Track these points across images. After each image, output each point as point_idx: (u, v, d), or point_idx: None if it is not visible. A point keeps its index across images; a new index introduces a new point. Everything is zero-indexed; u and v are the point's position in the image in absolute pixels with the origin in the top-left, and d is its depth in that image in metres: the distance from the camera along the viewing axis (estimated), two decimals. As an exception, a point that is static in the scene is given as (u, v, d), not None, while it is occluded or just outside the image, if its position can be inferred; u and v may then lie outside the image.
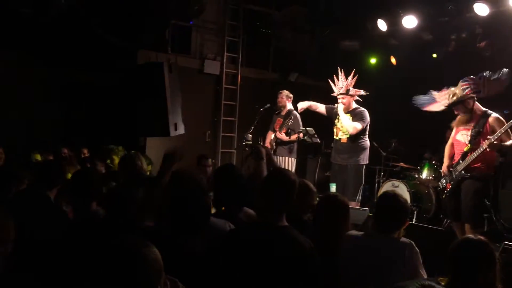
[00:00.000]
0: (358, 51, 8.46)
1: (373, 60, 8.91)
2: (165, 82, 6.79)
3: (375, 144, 7.34)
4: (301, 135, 6.72)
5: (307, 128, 6.71)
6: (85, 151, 6.29)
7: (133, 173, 3.77)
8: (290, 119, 6.72)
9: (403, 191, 7.02)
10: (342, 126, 6.11)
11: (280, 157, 6.80)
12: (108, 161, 5.51)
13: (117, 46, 7.15)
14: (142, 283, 1.42)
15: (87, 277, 2.01)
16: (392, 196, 2.79)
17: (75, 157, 6.02)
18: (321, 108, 6.47)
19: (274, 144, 6.88)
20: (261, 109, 7.03)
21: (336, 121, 6.21)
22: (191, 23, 8.25)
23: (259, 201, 2.50)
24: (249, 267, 2.32)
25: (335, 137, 6.24)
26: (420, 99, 5.64)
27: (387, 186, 7.34)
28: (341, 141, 6.15)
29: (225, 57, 8.72)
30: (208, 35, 8.62)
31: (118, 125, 7.17)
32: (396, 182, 7.34)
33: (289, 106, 6.99)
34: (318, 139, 6.82)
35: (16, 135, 6.90)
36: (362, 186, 6.17)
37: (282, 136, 6.80)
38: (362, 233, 2.88)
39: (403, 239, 2.72)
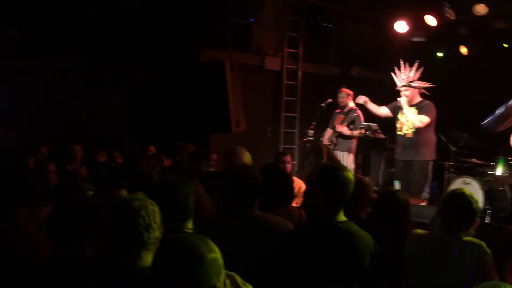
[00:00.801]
0: (425, 42, 8.11)
1: (440, 52, 8.51)
2: (226, 80, 6.92)
3: (444, 139, 7.01)
4: (363, 130, 6.57)
5: (370, 124, 6.54)
6: (152, 148, 6.52)
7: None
8: (353, 115, 6.61)
9: (475, 188, 6.64)
10: (407, 120, 5.89)
11: (339, 152, 6.70)
12: (179, 157, 5.67)
13: (180, 45, 7.36)
14: (202, 282, 1.43)
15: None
16: (460, 194, 2.66)
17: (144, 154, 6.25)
18: (382, 110, 6.27)
19: (334, 138, 6.79)
20: (322, 104, 6.95)
21: (399, 116, 6.00)
22: (251, 20, 8.30)
23: (315, 197, 2.47)
24: (312, 264, 2.31)
25: (398, 132, 6.04)
26: (489, 121, 5.34)
27: (457, 183, 6.98)
28: (406, 136, 5.94)
29: (285, 53, 8.69)
30: (268, 32, 8.63)
31: (182, 123, 7.38)
32: (468, 179, 6.94)
33: (351, 103, 6.89)
34: (382, 135, 6.63)
35: (86, 134, 7.30)
36: (428, 182, 5.91)
37: (344, 129, 6.67)
38: (429, 232, 2.76)
39: (473, 239, 2.58)
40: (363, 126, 6.56)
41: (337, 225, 2.39)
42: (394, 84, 6.01)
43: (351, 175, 2.48)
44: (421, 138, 5.83)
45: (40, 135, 6.70)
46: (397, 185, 5.82)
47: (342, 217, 2.43)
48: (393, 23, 7.62)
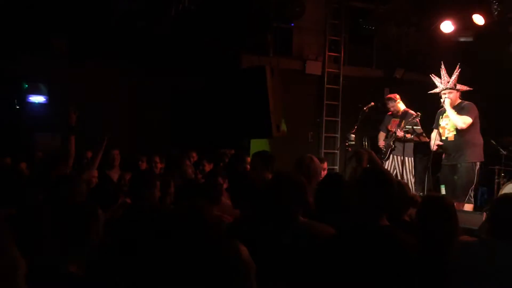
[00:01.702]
0: (472, 42, 7.83)
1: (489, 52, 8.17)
2: (267, 85, 6.94)
3: (493, 142, 6.74)
4: (408, 134, 6.43)
5: (415, 127, 6.38)
6: (194, 154, 6.62)
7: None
8: (412, 118, 6.49)
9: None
10: (447, 124, 5.78)
11: (397, 156, 6.62)
12: (222, 163, 5.72)
13: (221, 52, 7.46)
14: (236, 281, 1.44)
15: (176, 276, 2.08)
16: (508, 199, 2.54)
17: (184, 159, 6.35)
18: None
19: (392, 142, 6.71)
20: (365, 108, 6.85)
21: (440, 121, 5.87)
22: (292, 25, 8.31)
23: (357, 203, 2.45)
24: (353, 267, 2.29)
25: (442, 137, 5.89)
26: None
27: (508, 188, 6.69)
28: (448, 140, 5.80)
29: (326, 57, 8.64)
30: (309, 36, 8.61)
31: (223, 128, 7.46)
32: (519, 183, 6.66)
33: (402, 106, 6.79)
34: (426, 138, 6.46)
35: (130, 138, 7.51)
36: (473, 185, 5.71)
37: (401, 134, 6.58)
38: (477, 239, 2.66)
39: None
40: (407, 129, 6.41)
41: (380, 230, 2.35)
42: (433, 87, 5.89)
43: (393, 178, 2.45)
44: (464, 140, 5.66)
45: (84, 140, 6.95)
46: (443, 190, 5.67)
47: (385, 221, 2.39)
48: (438, 24, 7.41)
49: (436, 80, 5.84)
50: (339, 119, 8.74)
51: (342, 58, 8.77)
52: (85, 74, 7.88)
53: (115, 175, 5.33)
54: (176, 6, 6.91)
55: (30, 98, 8.04)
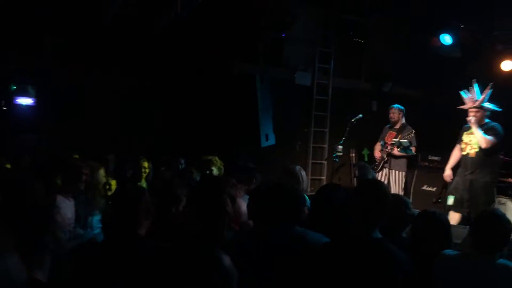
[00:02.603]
0: (461, 58, 7.96)
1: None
2: (257, 93, 6.97)
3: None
4: (395, 147, 6.50)
5: (401, 140, 6.46)
6: (182, 161, 6.60)
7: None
8: (408, 133, 6.60)
9: (509, 208, 6.43)
10: (470, 141, 5.86)
11: (392, 171, 6.70)
12: (207, 172, 5.70)
13: (212, 59, 7.48)
14: None
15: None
16: (490, 214, 2.58)
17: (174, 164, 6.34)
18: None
19: (385, 156, 6.78)
20: (352, 120, 6.91)
21: (464, 137, 5.96)
22: (283, 35, 8.36)
23: (351, 214, 2.45)
24: (343, 280, 2.29)
25: (462, 153, 5.98)
26: None
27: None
28: (469, 156, 5.89)
29: (316, 68, 8.70)
30: (300, 46, 8.66)
31: (212, 135, 7.46)
32: (503, 199, 6.74)
33: (403, 120, 6.88)
34: (413, 152, 6.53)
35: (121, 143, 7.47)
36: (494, 203, 5.83)
37: (396, 153, 6.68)
38: (458, 252, 2.69)
39: (506, 261, 2.49)
40: (394, 142, 6.48)
41: (372, 242, 2.36)
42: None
43: (388, 192, 2.46)
44: (485, 159, 5.77)
45: (73, 145, 6.90)
46: (450, 200, 5.77)
47: (377, 234, 2.39)
48: (429, 38, 7.52)
49: (466, 96, 5.90)
50: (327, 130, 8.79)
51: (331, 70, 8.83)
52: (74, 77, 7.83)
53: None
54: (168, 12, 6.92)
55: (17, 100, 7.96)
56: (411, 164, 8.04)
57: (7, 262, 0.85)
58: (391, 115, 6.91)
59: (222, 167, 5.62)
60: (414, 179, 7.93)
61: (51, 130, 7.71)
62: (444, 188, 6.87)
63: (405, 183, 7.43)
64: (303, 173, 4.01)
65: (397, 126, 6.87)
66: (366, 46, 9.02)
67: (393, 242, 2.43)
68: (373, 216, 2.38)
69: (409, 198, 7.64)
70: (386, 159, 6.79)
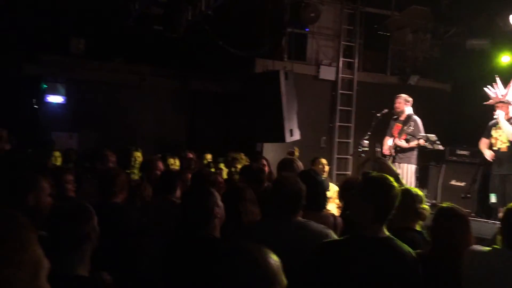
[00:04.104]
0: (487, 50, 7.78)
1: (505, 59, 8.09)
2: (281, 89, 6.97)
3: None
4: (421, 141, 6.38)
5: (428, 134, 6.35)
6: (208, 156, 6.68)
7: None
8: (410, 125, 6.42)
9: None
10: (500, 135, 5.79)
11: (399, 164, 6.53)
12: (233, 169, 5.76)
13: (236, 56, 7.52)
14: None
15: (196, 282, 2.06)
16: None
17: (199, 162, 6.43)
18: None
19: (393, 151, 6.62)
20: (378, 115, 6.81)
21: (492, 132, 5.87)
22: (306, 30, 8.33)
23: (358, 209, 2.42)
24: (348, 279, 2.27)
25: (493, 148, 5.91)
26: None
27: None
28: (501, 151, 5.84)
29: (341, 62, 8.64)
30: (324, 41, 8.63)
31: (237, 131, 7.51)
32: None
33: (408, 110, 6.66)
34: (440, 146, 6.41)
35: (148, 139, 7.60)
36: None
37: (402, 143, 6.51)
38: (489, 249, 2.65)
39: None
40: (421, 136, 6.37)
41: (379, 240, 2.32)
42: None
43: (397, 187, 2.41)
44: None
45: (100, 141, 7.06)
46: (493, 198, 5.74)
47: (385, 231, 2.36)
48: (454, 30, 7.37)
49: (490, 91, 5.84)
50: (352, 125, 8.73)
51: (356, 64, 8.76)
52: (103, 76, 8.01)
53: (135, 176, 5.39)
54: (192, 10, 6.99)
55: (48, 98, 8.19)
56: (439, 159, 7.93)
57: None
58: (396, 104, 6.67)
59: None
60: (442, 173, 7.80)
61: (80, 127, 7.91)
62: (474, 182, 6.74)
63: (428, 177, 7.29)
64: (299, 163, 4.05)
65: (402, 118, 6.65)
66: (391, 39, 8.91)
67: (405, 237, 2.38)
68: (379, 214, 2.32)
69: (436, 193, 7.56)
70: (394, 154, 6.62)
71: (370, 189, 2.37)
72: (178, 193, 3.59)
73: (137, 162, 5.80)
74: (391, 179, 2.43)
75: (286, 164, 4.05)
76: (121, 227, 2.93)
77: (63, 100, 8.19)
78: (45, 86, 8.18)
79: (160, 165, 4.59)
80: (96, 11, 7.70)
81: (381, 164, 3.72)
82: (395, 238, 2.35)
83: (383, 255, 2.28)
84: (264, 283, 1.41)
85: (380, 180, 2.40)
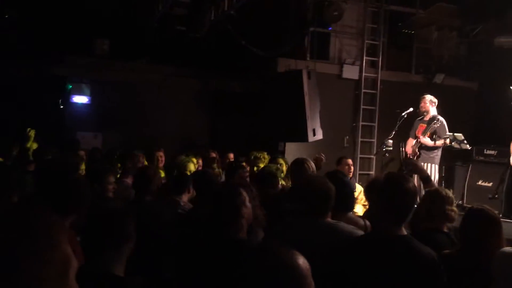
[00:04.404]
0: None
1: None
2: (303, 89, 6.94)
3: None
4: (448, 141, 6.27)
5: (455, 134, 6.23)
6: (231, 156, 6.69)
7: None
8: (435, 125, 6.31)
9: None
10: None
11: (423, 164, 6.42)
12: (255, 168, 5.76)
13: (259, 55, 7.52)
14: None
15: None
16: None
17: (221, 161, 6.44)
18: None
19: (417, 149, 6.53)
20: (403, 114, 6.72)
21: None
22: (329, 29, 8.27)
23: (374, 209, 2.39)
24: (365, 277, 2.25)
25: None
26: None
27: None
28: None
29: (364, 61, 8.55)
30: (347, 40, 8.55)
31: (259, 131, 7.50)
32: None
33: (433, 111, 6.57)
34: (467, 145, 6.28)
35: (170, 139, 7.66)
36: None
37: (427, 141, 6.40)
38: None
39: None
40: (447, 136, 6.25)
41: (396, 239, 2.28)
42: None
43: (414, 187, 2.38)
44: None
45: (124, 141, 7.15)
46: None
47: (402, 230, 2.32)
48: (481, 27, 7.21)
49: None
50: (375, 124, 8.62)
51: (380, 63, 8.65)
52: (126, 76, 8.10)
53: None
54: (215, 10, 7.01)
55: (73, 98, 8.34)
56: (465, 158, 7.77)
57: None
58: (421, 105, 6.60)
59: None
60: (468, 174, 7.63)
61: (104, 127, 8.03)
62: (501, 183, 6.58)
63: (454, 177, 7.15)
64: (311, 164, 4.02)
65: (427, 118, 6.57)
66: (416, 37, 8.77)
67: (430, 238, 2.35)
68: (397, 213, 2.29)
69: (462, 193, 7.41)
70: (419, 153, 6.52)
71: (389, 189, 2.34)
72: (185, 197, 3.63)
73: (160, 162, 5.86)
74: (410, 179, 2.41)
75: (298, 164, 4.04)
76: (156, 226, 2.98)
77: (88, 100, 8.33)
78: (70, 86, 8.33)
79: (192, 166, 4.67)
80: (120, 12, 7.81)
81: (412, 165, 3.66)
82: (414, 239, 2.31)
83: (399, 255, 2.25)
84: (292, 284, 1.38)
85: (398, 180, 2.36)
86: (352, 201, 3.15)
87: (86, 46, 8.17)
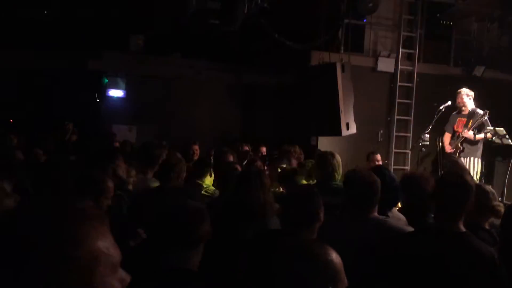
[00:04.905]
0: None
1: None
2: (337, 82, 6.83)
3: None
4: (489, 135, 6.06)
5: (497, 128, 6.01)
6: (263, 149, 6.67)
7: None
8: (476, 118, 6.11)
9: None
10: None
11: (465, 158, 6.24)
12: (287, 162, 5.72)
13: (292, 48, 7.45)
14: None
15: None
16: None
17: (254, 154, 6.43)
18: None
19: (459, 144, 6.33)
20: (441, 107, 6.53)
21: None
22: (364, 21, 8.11)
23: (435, 206, 2.34)
24: (422, 275, 2.20)
25: None
26: None
27: None
28: None
29: (400, 54, 8.34)
30: (382, 32, 8.36)
31: (292, 125, 7.45)
32: None
33: (471, 104, 6.37)
34: (509, 140, 6.05)
35: (203, 132, 7.72)
36: None
37: (470, 134, 6.20)
38: None
39: None
40: (488, 130, 6.04)
41: (456, 235, 2.24)
42: None
43: (471, 183, 2.31)
44: None
45: (158, 134, 7.25)
46: None
47: (460, 227, 2.27)
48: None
49: None
50: (411, 118, 8.41)
51: (416, 55, 8.42)
52: (160, 70, 8.21)
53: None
54: (248, 3, 6.99)
55: (109, 92, 8.52)
56: (506, 154, 7.49)
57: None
58: (458, 99, 6.40)
59: (302, 157, 5.57)
60: (509, 170, 7.35)
61: (139, 120, 8.16)
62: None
63: (493, 172, 6.90)
64: (337, 158, 3.93)
65: (465, 112, 6.36)
66: (455, 28, 8.49)
67: (475, 235, 2.30)
68: (457, 209, 2.26)
69: (502, 190, 7.15)
70: (462, 148, 6.31)
71: (445, 183, 2.30)
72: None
73: (195, 155, 5.90)
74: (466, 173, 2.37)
75: (322, 157, 3.99)
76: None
77: (123, 94, 8.49)
78: (106, 81, 8.50)
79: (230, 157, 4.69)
80: (154, 8, 7.90)
81: (453, 162, 3.55)
82: (473, 235, 2.26)
83: (457, 251, 2.19)
84: (326, 279, 1.42)
85: (455, 174, 2.33)
86: (397, 195, 3.09)
87: (122, 42, 8.32)
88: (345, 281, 1.45)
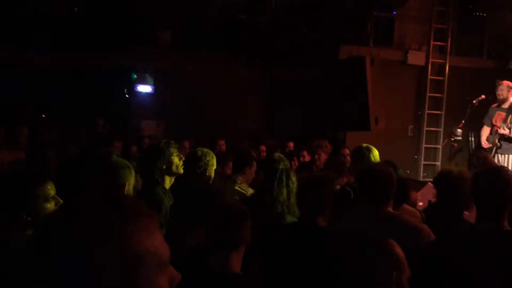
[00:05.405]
0: None
1: None
2: (366, 76, 6.73)
3: None
4: (505, 128, 5.84)
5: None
6: (291, 144, 6.63)
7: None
8: None
9: None
10: None
11: (503, 156, 6.01)
12: (316, 156, 5.68)
13: (320, 42, 7.37)
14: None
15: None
16: None
17: (281, 149, 6.39)
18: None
19: (496, 140, 6.10)
20: (474, 101, 6.35)
21: None
22: (394, 13, 7.95)
23: (475, 204, 2.28)
24: (472, 276, 2.14)
25: None
26: None
27: None
28: None
29: (431, 46, 8.14)
30: (413, 25, 8.18)
31: (320, 119, 7.38)
32: None
33: None
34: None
35: (230, 127, 7.72)
36: None
37: (506, 131, 5.98)
38: None
39: None
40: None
41: (503, 234, 2.18)
42: None
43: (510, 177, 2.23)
44: None
45: (186, 129, 7.29)
46: None
47: (505, 225, 2.20)
48: None
49: None
50: (442, 113, 8.22)
51: (448, 48, 8.20)
52: (188, 65, 8.24)
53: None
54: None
55: (138, 87, 8.61)
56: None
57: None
58: (498, 92, 6.11)
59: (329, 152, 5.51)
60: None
61: (167, 115, 8.24)
62: None
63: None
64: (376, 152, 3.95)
65: (506, 106, 6.07)
66: (488, 20, 8.22)
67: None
68: (500, 207, 2.18)
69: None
70: (499, 144, 6.08)
71: (482, 181, 2.23)
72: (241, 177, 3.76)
73: (222, 150, 5.90)
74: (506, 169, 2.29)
75: (358, 151, 3.95)
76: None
77: (151, 89, 8.57)
78: (135, 76, 8.60)
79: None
80: (181, 3, 7.93)
81: (483, 158, 3.45)
82: None
83: (501, 250, 2.13)
84: (393, 269, 1.57)
85: (493, 171, 2.26)
86: (409, 191, 3.07)
87: (150, 37, 8.39)
88: (408, 271, 1.60)
